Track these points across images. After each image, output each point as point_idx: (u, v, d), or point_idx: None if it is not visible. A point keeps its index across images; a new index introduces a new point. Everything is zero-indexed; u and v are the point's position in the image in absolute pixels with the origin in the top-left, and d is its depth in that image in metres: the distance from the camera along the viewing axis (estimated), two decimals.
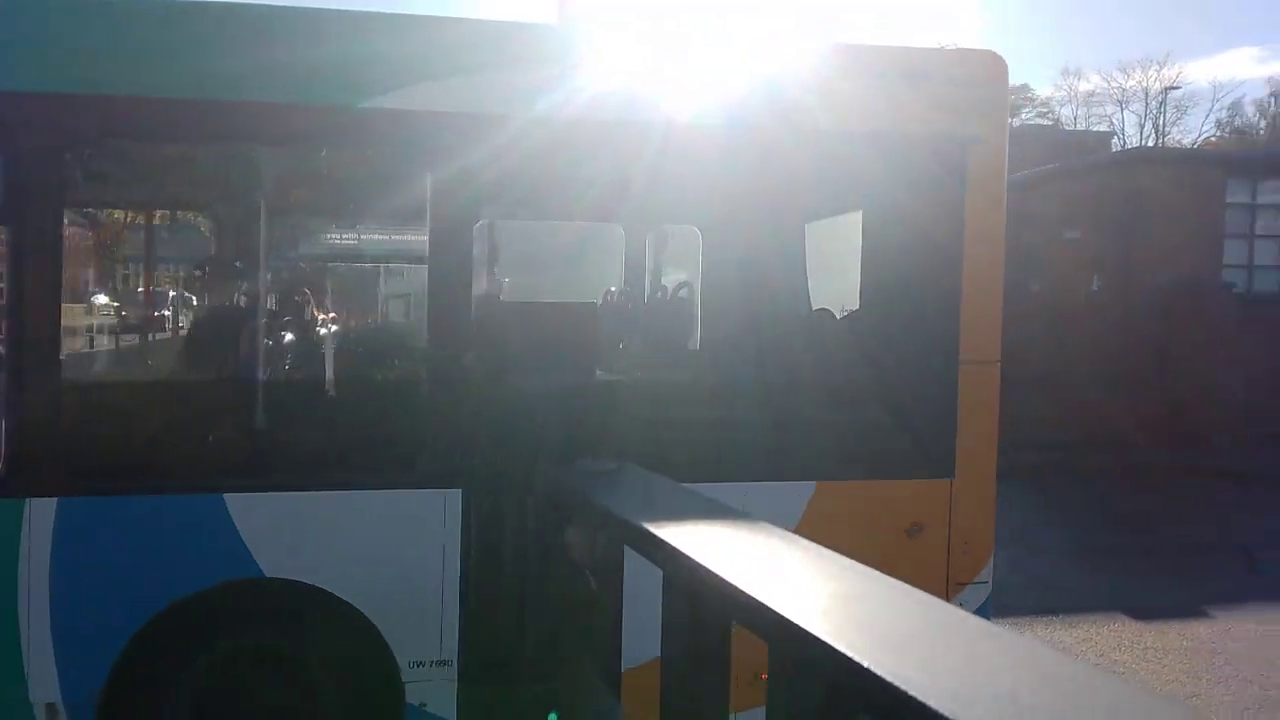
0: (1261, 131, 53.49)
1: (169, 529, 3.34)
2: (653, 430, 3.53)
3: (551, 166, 3.84)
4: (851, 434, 3.84)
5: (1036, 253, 22.38)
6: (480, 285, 4.40)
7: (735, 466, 3.51)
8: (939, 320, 3.78)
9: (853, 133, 3.68)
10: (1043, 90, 55.31)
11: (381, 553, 3.38)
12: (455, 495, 3.32)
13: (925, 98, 3.70)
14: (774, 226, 3.89)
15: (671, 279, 5.14)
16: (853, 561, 1.08)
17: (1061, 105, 52.94)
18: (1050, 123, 48.49)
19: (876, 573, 1.05)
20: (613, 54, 3.65)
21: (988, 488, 3.81)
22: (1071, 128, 48.02)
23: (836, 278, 4.34)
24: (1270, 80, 65.10)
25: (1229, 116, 54.98)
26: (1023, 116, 49.94)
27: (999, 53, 3.85)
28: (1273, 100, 54.60)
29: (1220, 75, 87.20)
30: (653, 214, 4.48)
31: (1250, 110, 55.31)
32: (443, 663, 3.39)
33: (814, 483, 3.65)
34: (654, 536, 1.31)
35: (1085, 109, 53.85)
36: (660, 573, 1.34)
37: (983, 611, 3.75)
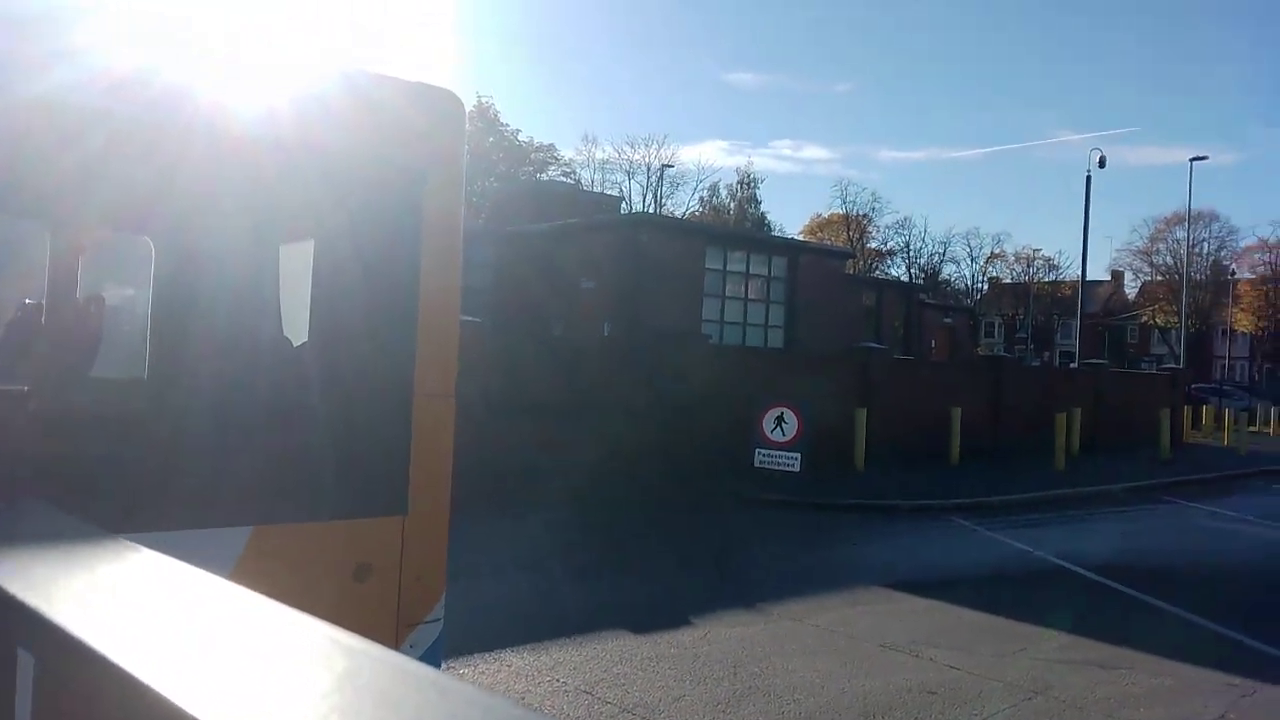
0: (732, 211, 64.91)
1: None
2: (53, 464, 2.91)
3: None
4: (296, 473, 3.55)
5: (559, 299, 24.28)
6: None
7: (157, 512, 3.02)
8: (393, 353, 3.66)
9: (311, 151, 3.44)
10: (566, 153, 60.70)
11: None
12: None
13: (380, 125, 3.58)
14: (242, 244, 3.51)
15: (115, 296, 4.35)
16: (339, 633, 0.79)
17: (581, 168, 58.73)
18: (573, 182, 53.26)
19: (374, 647, 0.77)
20: (57, 20, 3.00)
21: (441, 523, 3.73)
22: (590, 189, 53.28)
23: (304, 306, 4.03)
24: (739, 170, 79.30)
25: (709, 195, 65.90)
26: (549, 173, 54.26)
27: (456, 93, 3.84)
28: (740, 187, 66.63)
29: (703, 160, 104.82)
30: (91, 217, 3.70)
31: (724, 193, 66.88)
32: None
33: (249, 527, 3.32)
34: (30, 610, 0.87)
35: (601, 174, 60.49)
36: None
37: (435, 648, 3.68)
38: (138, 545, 1.18)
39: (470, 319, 13.05)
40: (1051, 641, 7.60)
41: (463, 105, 3.93)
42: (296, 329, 4.00)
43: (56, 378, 3.54)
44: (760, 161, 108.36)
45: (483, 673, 6.20)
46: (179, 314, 3.29)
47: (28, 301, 4.01)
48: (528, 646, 6.74)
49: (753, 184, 67.49)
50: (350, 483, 3.63)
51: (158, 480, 3.14)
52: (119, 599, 1.05)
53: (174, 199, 3.25)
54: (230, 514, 3.27)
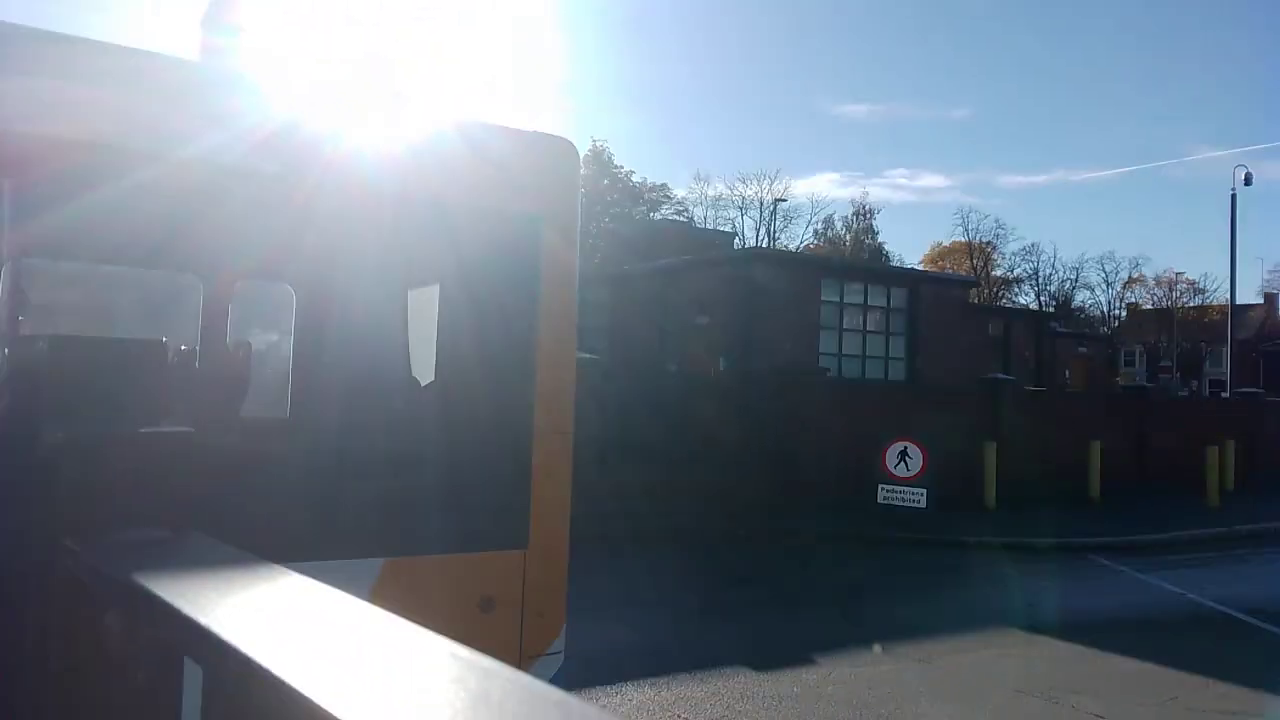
0: (848, 243, 63.94)
1: None
2: (209, 500, 3.12)
3: (108, 203, 3.28)
4: (424, 506, 3.69)
5: (673, 336, 24.42)
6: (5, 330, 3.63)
7: (297, 543, 3.17)
8: (513, 392, 3.78)
9: (433, 199, 3.63)
10: (679, 191, 61.31)
11: None
12: None
13: (498, 173, 3.76)
14: (374, 289, 3.72)
15: (260, 340, 4.67)
16: (478, 656, 0.86)
17: (694, 205, 59.13)
18: (685, 220, 53.59)
19: (504, 669, 0.84)
20: (209, 90, 3.28)
21: (560, 557, 3.81)
22: (702, 226, 53.53)
23: (431, 347, 4.24)
24: (853, 202, 78.46)
25: (824, 228, 65.16)
26: (662, 212, 54.83)
27: (571, 140, 4.00)
28: (855, 219, 65.66)
29: (816, 193, 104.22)
30: (237, 268, 4.01)
31: (839, 225, 66.02)
32: None
33: (382, 559, 3.43)
34: (198, 626, 0.99)
35: (713, 211, 60.74)
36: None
37: (555, 681, 3.71)
38: (288, 570, 1.29)
39: (586, 355, 13.29)
40: (1206, 691, 7.04)
41: (576, 152, 4.07)
42: (424, 369, 4.20)
43: (210, 418, 3.82)
44: (875, 192, 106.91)
45: (604, 707, 6.22)
46: (317, 356, 3.51)
47: (183, 348, 4.38)
48: (649, 681, 6.72)
49: (869, 214, 66.39)
50: (474, 516, 3.76)
51: (298, 513, 3.33)
52: (274, 616, 1.14)
53: (312, 248, 3.48)
54: (364, 546, 3.43)
